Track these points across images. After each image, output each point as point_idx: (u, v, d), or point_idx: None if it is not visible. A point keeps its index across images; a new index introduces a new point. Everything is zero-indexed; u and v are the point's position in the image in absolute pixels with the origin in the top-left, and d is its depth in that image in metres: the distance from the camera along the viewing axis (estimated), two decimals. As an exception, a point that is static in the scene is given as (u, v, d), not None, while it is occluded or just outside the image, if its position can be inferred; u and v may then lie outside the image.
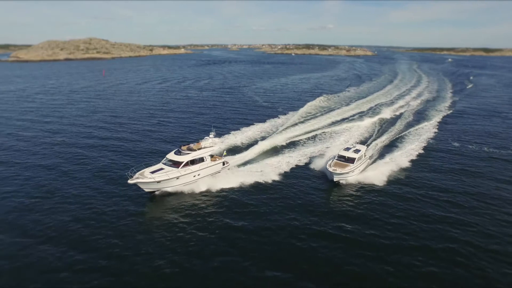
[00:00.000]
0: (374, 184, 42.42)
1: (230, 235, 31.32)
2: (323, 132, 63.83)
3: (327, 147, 54.62)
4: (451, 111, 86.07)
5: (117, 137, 61.36)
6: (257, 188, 40.95)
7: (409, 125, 69.86)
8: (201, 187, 40.34)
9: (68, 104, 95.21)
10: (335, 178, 42.32)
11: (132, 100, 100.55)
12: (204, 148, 42.78)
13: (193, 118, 76.85)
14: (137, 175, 37.98)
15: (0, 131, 65.52)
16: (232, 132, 62.88)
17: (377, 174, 44.40)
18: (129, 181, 37.16)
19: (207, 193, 39.65)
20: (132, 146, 56.15)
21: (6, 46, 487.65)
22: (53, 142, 58.72)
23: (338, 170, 41.78)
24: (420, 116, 79.24)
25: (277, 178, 43.57)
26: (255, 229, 32.24)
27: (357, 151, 45.88)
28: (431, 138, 61.63)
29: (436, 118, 76.78)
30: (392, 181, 43.32)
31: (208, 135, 45.62)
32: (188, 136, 61.04)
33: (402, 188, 41.38)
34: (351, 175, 43.35)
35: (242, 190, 40.39)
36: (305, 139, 59.76)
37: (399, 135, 62.52)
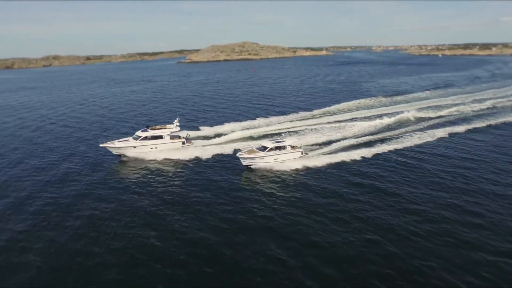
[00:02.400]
0: (281, 173, 45.52)
1: (168, 193, 40.96)
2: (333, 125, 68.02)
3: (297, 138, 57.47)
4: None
5: (266, 109, 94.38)
6: (195, 163, 50.58)
7: (410, 131, 63.52)
8: (158, 156, 52.75)
9: (234, 88, 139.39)
10: (243, 162, 46.76)
11: (275, 88, 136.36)
12: (166, 129, 55.23)
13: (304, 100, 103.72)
14: (108, 142, 52.43)
15: (200, 101, 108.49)
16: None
17: (293, 165, 46.52)
18: (100, 145, 52.04)
19: (161, 161, 52.16)
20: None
21: (181, 51, 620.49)
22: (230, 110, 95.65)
23: (244, 155, 45.96)
24: (443, 123, 69.76)
25: (212, 159, 51.23)
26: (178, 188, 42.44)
27: (278, 142, 48.08)
28: (403, 148, 54.44)
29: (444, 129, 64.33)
30: (302, 173, 45.27)
31: (174, 120, 57.58)
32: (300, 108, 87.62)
33: (303, 180, 43.24)
34: (260, 162, 46.42)
35: (189, 163, 50.59)
36: (287, 132, 63.02)
37: (385, 138, 59.11)
